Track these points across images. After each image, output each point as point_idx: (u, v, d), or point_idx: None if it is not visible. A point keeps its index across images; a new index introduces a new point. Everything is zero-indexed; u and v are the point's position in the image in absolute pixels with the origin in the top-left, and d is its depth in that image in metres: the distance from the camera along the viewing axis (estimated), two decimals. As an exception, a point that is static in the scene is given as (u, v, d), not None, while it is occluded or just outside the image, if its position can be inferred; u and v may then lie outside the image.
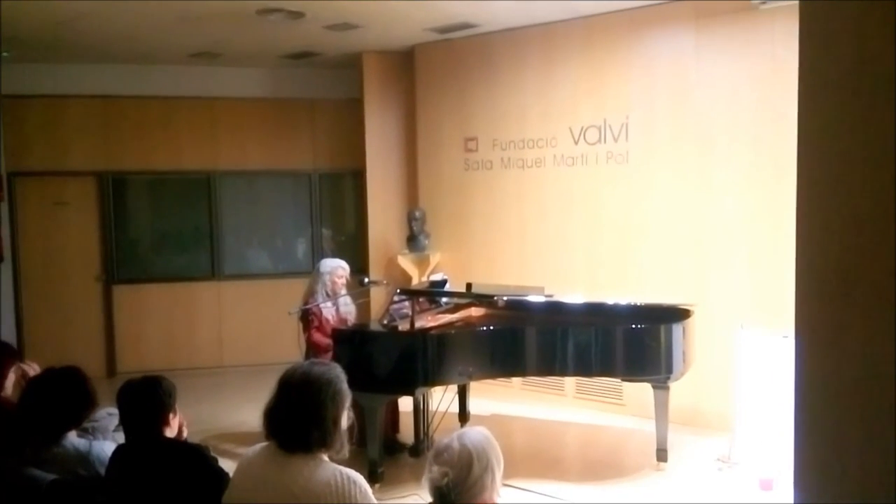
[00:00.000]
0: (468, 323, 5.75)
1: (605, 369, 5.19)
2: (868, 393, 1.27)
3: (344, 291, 5.86)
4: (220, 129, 8.83)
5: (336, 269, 5.81)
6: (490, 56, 7.27)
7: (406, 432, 5.84)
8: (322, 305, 5.70)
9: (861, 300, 1.28)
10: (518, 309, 5.81)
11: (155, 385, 2.90)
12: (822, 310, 1.37)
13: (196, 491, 2.73)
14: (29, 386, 3.03)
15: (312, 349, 5.64)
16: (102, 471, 2.92)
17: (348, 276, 5.90)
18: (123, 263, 8.74)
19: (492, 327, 5.38)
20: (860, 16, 1.24)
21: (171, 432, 2.91)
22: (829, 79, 1.33)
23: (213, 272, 8.93)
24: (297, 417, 2.34)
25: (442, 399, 5.64)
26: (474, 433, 2.19)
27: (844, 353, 1.32)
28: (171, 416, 2.90)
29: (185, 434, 3.06)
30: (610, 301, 5.74)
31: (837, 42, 1.30)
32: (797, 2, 1.46)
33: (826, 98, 1.34)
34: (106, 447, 3.01)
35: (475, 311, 5.98)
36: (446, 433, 2.25)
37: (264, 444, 2.43)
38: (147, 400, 2.85)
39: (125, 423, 2.88)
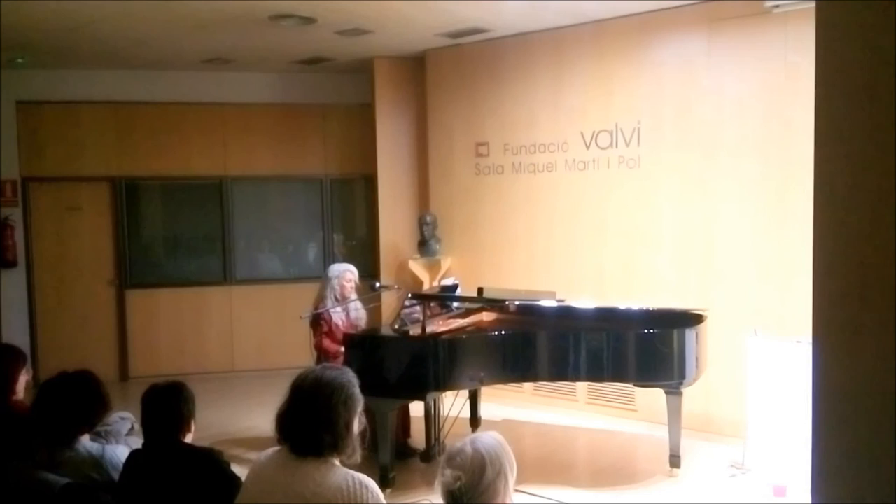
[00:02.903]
0: (479, 328, 5.75)
1: (618, 374, 5.16)
2: (886, 396, 1.26)
3: (354, 296, 5.85)
4: (232, 134, 8.86)
5: (344, 273, 5.81)
6: (501, 61, 7.27)
7: (417, 437, 5.84)
8: (332, 311, 5.70)
9: (879, 303, 1.27)
10: (529, 314, 5.80)
11: (181, 391, 2.94)
12: (839, 313, 1.36)
13: (208, 495, 2.74)
14: (42, 389, 3.04)
15: (323, 355, 5.64)
16: (115, 475, 2.92)
17: (357, 281, 5.89)
18: (136, 268, 8.78)
19: (503, 332, 5.36)
20: (878, 17, 1.23)
21: (189, 438, 2.92)
22: (846, 81, 1.32)
23: (225, 277, 8.95)
24: (309, 422, 2.34)
25: (453, 404, 5.64)
26: (487, 438, 2.18)
27: (862, 356, 1.30)
28: (192, 422, 2.93)
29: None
30: (622, 306, 5.73)
31: (854, 44, 1.29)
32: (810, 5, 1.46)
33: (842, 100, 1.33)
34: (119, 451, 3.02)
35: (486, 316, 5.98)
36: (457, 438, 2.24)
37: (276, 448, 2.44)
38: (173, 405, 2.89)
39: (147, 426, 2.89)
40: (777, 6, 5.56)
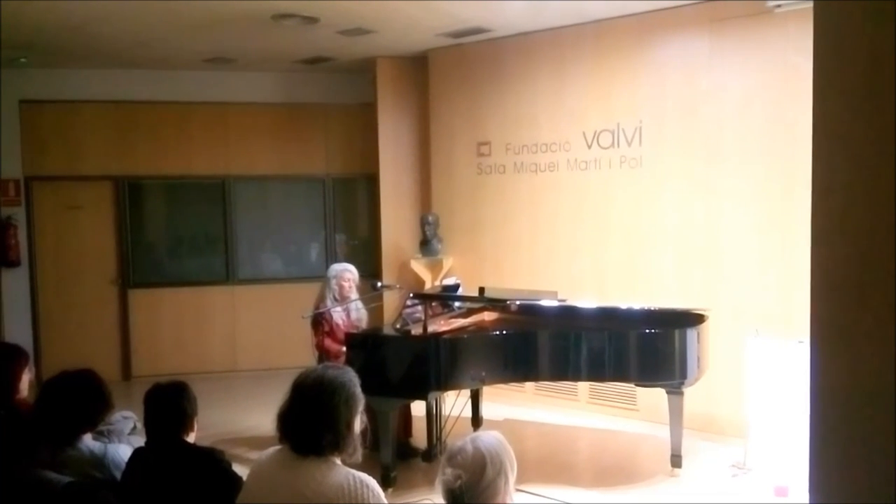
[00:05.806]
0: (481, 327, 5.75)
1: (619, 374, 5.16)
2: (883, 396, 1.26)
3: (354, 295, 5.85)
4: (234, 133, 8.87)
5: (342, 273, 5.81)
6: (502, 61, 7.28)
7: (419, 437, 5.84)
8: (333, 311, 5.71)
9: (876, 304, 1.27)
10: (531, 313, 5.80)
11: (184, 390, 2.94)
12: (836, 314, 1.36)
13: (210, 494, 2.74)
14: (44, 388, 3.05)
15: (324, 355, 5.64)
16: (117, 474, 2.93)
17: (356, 280, 5.89)
18: (138, 267, 8.79)
19: (504, 332, 5.37)
20: (875, 15, 1.23)
21: (192, 438, 2.93)
22: (844, 79, 1.32)
23: (227, 276, 8.96)
24: (310, 421, 2.34)
25: (455, 404, 5.64)
26: (488, 437, 2.19)
27: (859, 357, 1.31)
28: (195, 422, 2.93)
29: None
30: (623, 306, 5.73)
31: (852, 42, 1.29)
32: (811, 5, 1.46)
33: (840, 99, 1.33)
34: (121, 450, 3.03)
35: (488, 316, 5.98)
36: (459, 438, 2.24)
37: (277, 447, 2.44)
38: (176, 404, 2.90)
39: (149, 426, 2.90)
40: (778, 6, 5.56)
